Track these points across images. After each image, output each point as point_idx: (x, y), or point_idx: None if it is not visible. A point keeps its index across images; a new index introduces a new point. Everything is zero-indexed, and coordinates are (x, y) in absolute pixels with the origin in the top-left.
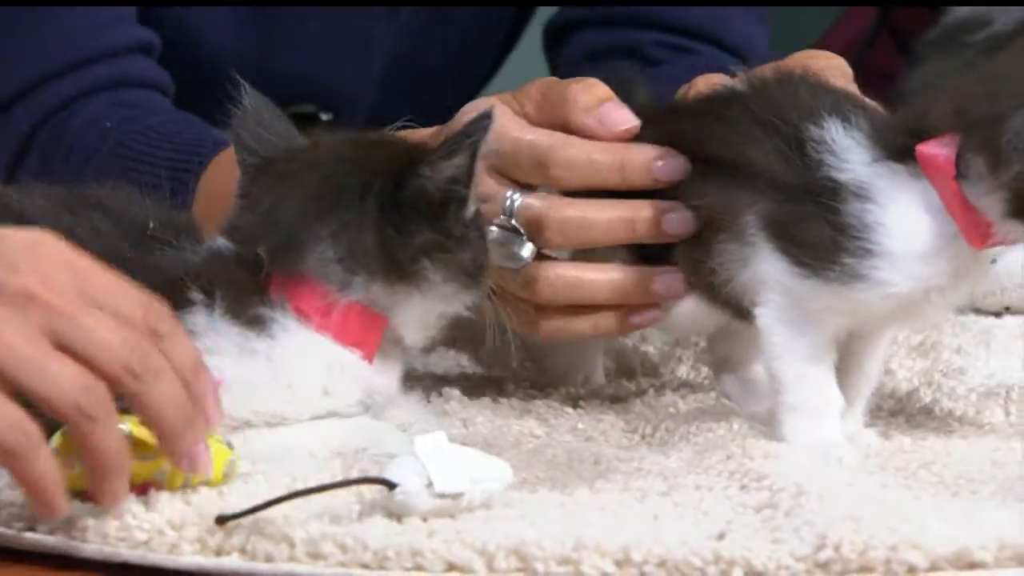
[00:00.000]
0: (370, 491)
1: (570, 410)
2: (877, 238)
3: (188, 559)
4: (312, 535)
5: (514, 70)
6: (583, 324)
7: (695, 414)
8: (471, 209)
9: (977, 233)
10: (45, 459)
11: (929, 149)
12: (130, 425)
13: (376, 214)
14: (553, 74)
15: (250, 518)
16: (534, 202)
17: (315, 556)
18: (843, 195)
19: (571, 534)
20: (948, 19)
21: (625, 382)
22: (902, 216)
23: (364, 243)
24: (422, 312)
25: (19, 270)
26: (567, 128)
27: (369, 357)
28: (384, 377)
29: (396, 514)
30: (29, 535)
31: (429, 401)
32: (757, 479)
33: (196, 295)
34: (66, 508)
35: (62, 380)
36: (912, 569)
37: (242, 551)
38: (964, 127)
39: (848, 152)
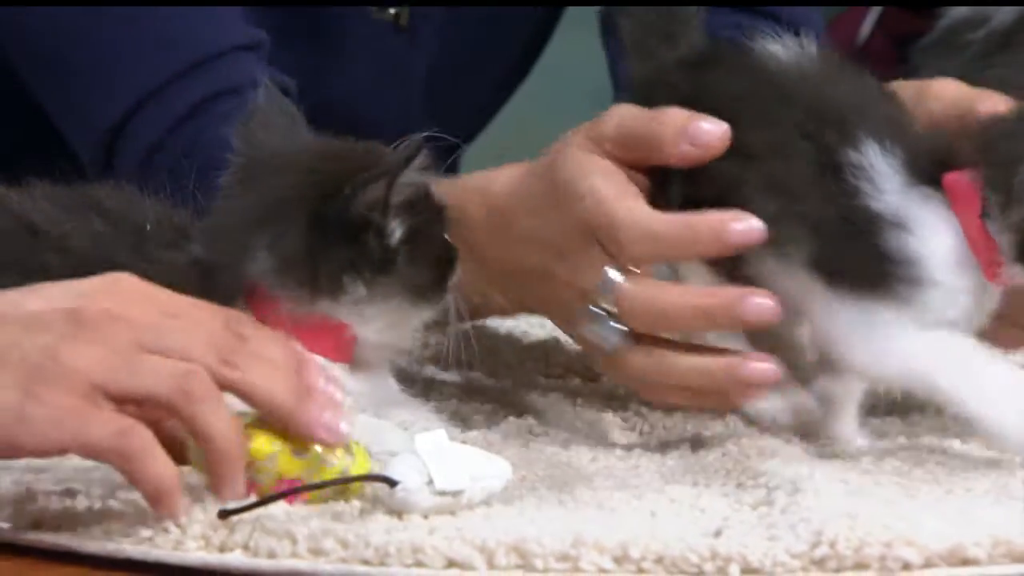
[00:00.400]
0: (371, 488)
1: (568, 408)
2: (919, 269)
3: (192, 555)
4: (314, 532)
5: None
6: (688, 402)
7: (692, 412)
8: (395, 236)
9: (991, 270)
10: (160, 461)
11: (955, 180)
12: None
13: (306, 227)
14: (611, 61)
15: (253, 514)
16: (622, 283)
17: (317, 552)
18: (881, 225)
19: (570, 531)
20: (944, 21)
21: None
22: (940, 246)
23: (293, 254)
24: (376, 326)
25: (96, 299)
26: (657, 163)
27: (342, 361)
28: (361, 382)
29: (397, 511)
30: (34, 532)
31: (429, 399)
32: (753, 477)
33: None
34: (184, 508)
35: (159, 371)
36: (907, 565)
37: (245, 547)
38: (985, 163)
39: (885, 179)
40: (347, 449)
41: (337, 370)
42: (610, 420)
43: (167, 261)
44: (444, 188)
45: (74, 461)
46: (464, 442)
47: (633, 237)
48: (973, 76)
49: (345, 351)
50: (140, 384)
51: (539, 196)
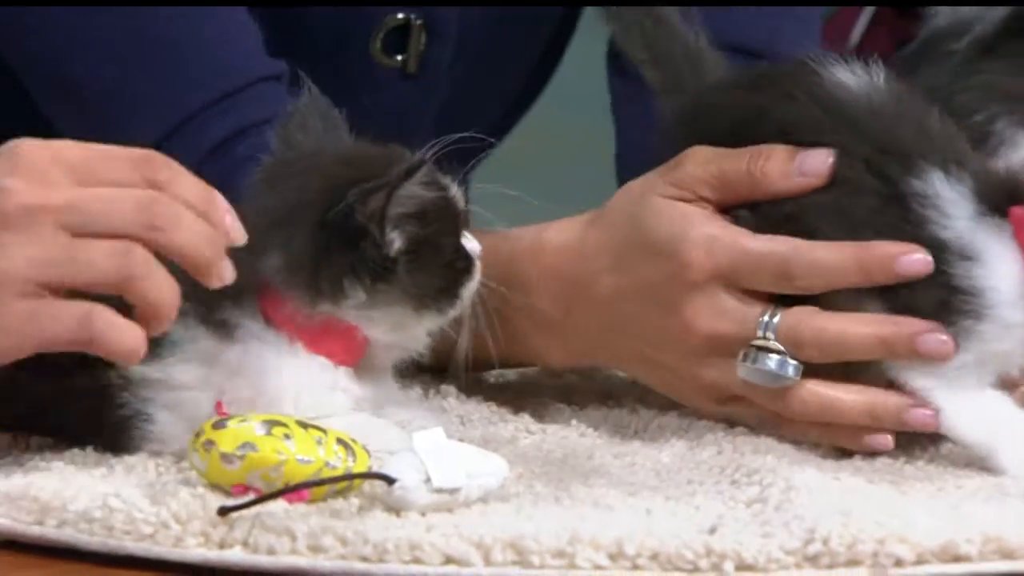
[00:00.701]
0: (370, 486)
1: (564, 406)
2: (983, 301)
3: (192, 552)
4: (313, 528)
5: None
6: (821, 438)
7: (687, 410)
8: (395, 246)
9: None
10: (125, 328)
11: (1021, 212)
12: (292, 427)
13: (314, 231)
14: (614, 100)
15: (252, 511)
16: (789, 317)
17: (316, 549)
18: (949, 256)
19: (566, 528)
20: (924, 32)
21: (619, 378)
22: (1006, 279)
23: (300, 256)
24: (383, 328)
25: (9, 190)
26: (757, 199)
27: (347, 363)
28: (366, 386)
29: (395, 508)
30: (36, 528)
31: (427, 398)
32: (748, 474)
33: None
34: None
35: (96, 258)
36: (899, 562)
37: (245, 544)
38: None
39: (953, 206)
40: (349, 451)
41: (342, 373)
42: (605, 417)
43: None
44: (492, 247)
45: (75, 459)
46: (461, 440)
47: (805, 268)
48: (960, 82)
49: (355, 353)
50: (81, 274)
51: (622, 252)
